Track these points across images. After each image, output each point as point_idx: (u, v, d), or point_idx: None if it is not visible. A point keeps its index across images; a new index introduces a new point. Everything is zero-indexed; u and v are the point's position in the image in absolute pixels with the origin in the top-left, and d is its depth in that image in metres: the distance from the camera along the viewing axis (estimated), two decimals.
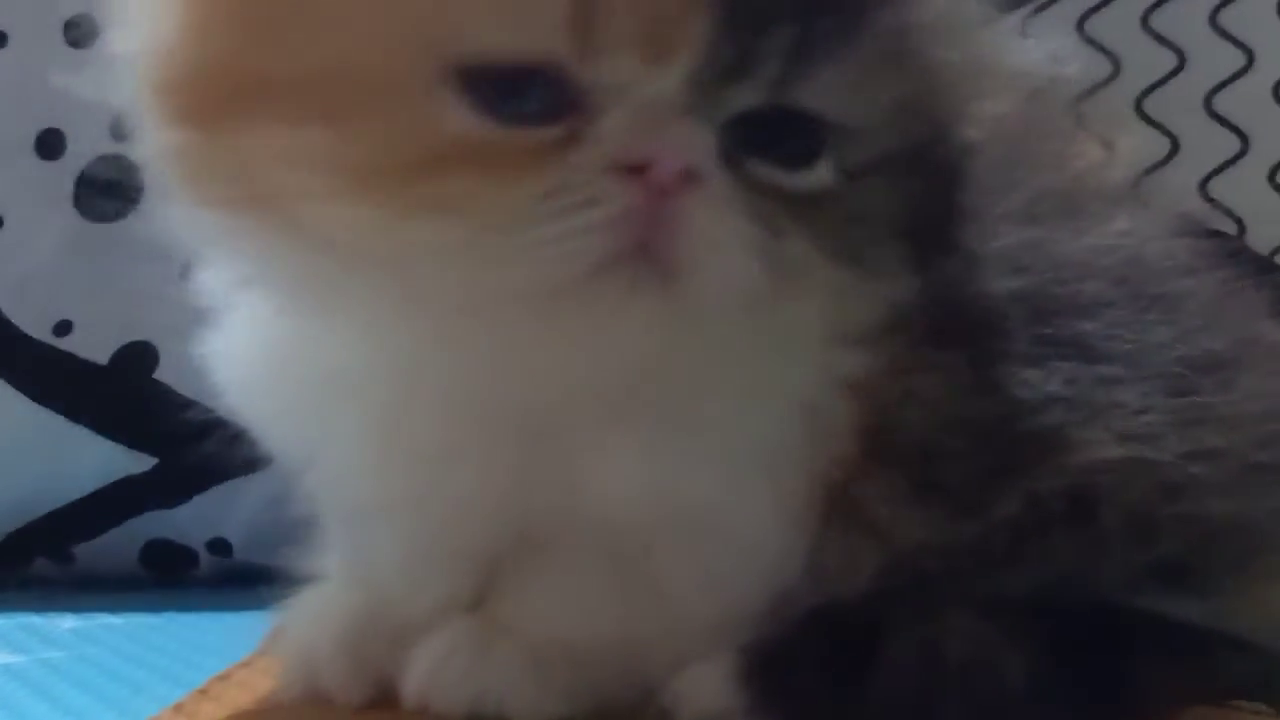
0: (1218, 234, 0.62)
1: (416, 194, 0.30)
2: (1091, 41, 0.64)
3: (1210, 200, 0.64)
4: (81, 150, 0.70)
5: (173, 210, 0.34)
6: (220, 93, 0.31)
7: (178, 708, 0.42)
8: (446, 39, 0.29)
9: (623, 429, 0.33)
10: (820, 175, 0.32)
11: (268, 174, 0.31)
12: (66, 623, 0.58)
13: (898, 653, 0.36)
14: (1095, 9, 0.64)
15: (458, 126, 0.29)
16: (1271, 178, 0.64)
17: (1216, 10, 0.64)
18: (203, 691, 0.44)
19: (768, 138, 0.31)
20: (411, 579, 0.39)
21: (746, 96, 0.30)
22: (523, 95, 0.29)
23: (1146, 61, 0.65)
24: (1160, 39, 0.64)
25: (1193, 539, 0.37)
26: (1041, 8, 0.64)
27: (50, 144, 0.70)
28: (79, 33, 0.68)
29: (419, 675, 0.38)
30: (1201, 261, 0.42)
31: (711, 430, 0.33)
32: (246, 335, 0.37)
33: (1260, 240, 0.64)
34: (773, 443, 0.33)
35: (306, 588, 0.42)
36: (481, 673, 0.37)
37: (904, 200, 0.33)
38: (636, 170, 0.29)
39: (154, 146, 0.33)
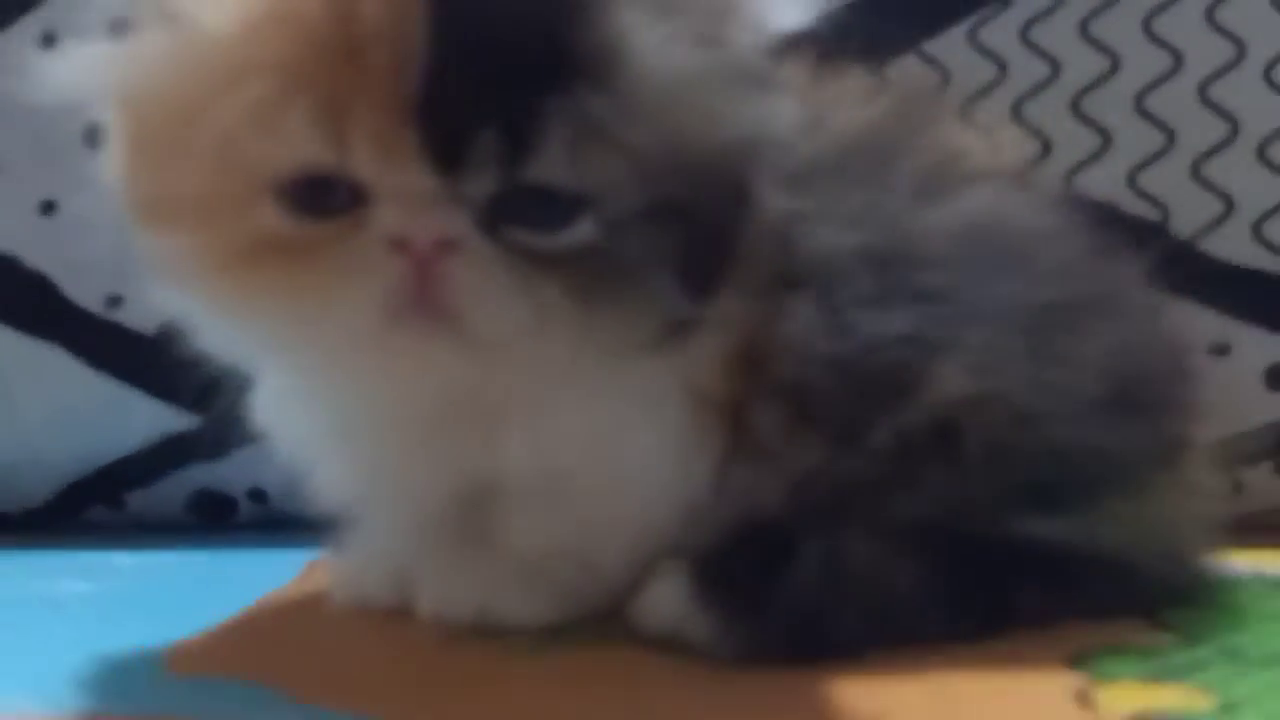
0: (1143, 220, 0.70)
1: (249, 274, 0.39)
2: (1035, 47, 0.69)
3: (1138, 190, 0.69)
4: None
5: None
6: (143, 209, 0.42)
7: (230, 622, 0.51)
8: (262, 167, 0.38)
9: (499, 424, 0.42)
10: (578, 233, 0.38)
11: (175, 263, 0.41)
12: (125, 559, 0.65)
13: (807, 562, 0.43)
14: (1039, 17, 0.69)
15: (277, 225, 0.39)
16: (1194, 170, 0.69)
17: (1150, 17, 0.69)
18: (252, 610, 0.53)
19: (524, 208, 0.38)
20: (405, 532, 0.49)
21: (483, 183, 0.37)
22: (318, 196, 0.38)
23: (1084, 65, 0.69)
24: (1097, 44, 0.69)
25: (1047, 464, 0.44)
26: (986, 18, 0.69)
27: (98, 136, 0.78)
28: (124, 34, 0.78)
29: (430, 595, 0.47)
30: (1075, 233, 0.49)
31: (555, 421, 0.42)
32: (265, 386, 0.49)
33: (1182, 226, 0.69)
34: (611, 420, 0.42)
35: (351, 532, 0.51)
36: (480, 589, 0.46)
37: (670, 238, 0.39)
38: (403, 244, 0.37)
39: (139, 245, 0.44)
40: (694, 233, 0.40)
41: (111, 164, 0.43)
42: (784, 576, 0.43)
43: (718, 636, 0.43)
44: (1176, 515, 0.50)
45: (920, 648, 0.43)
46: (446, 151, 0.37)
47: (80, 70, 0.43)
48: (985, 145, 0.53)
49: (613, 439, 0.43)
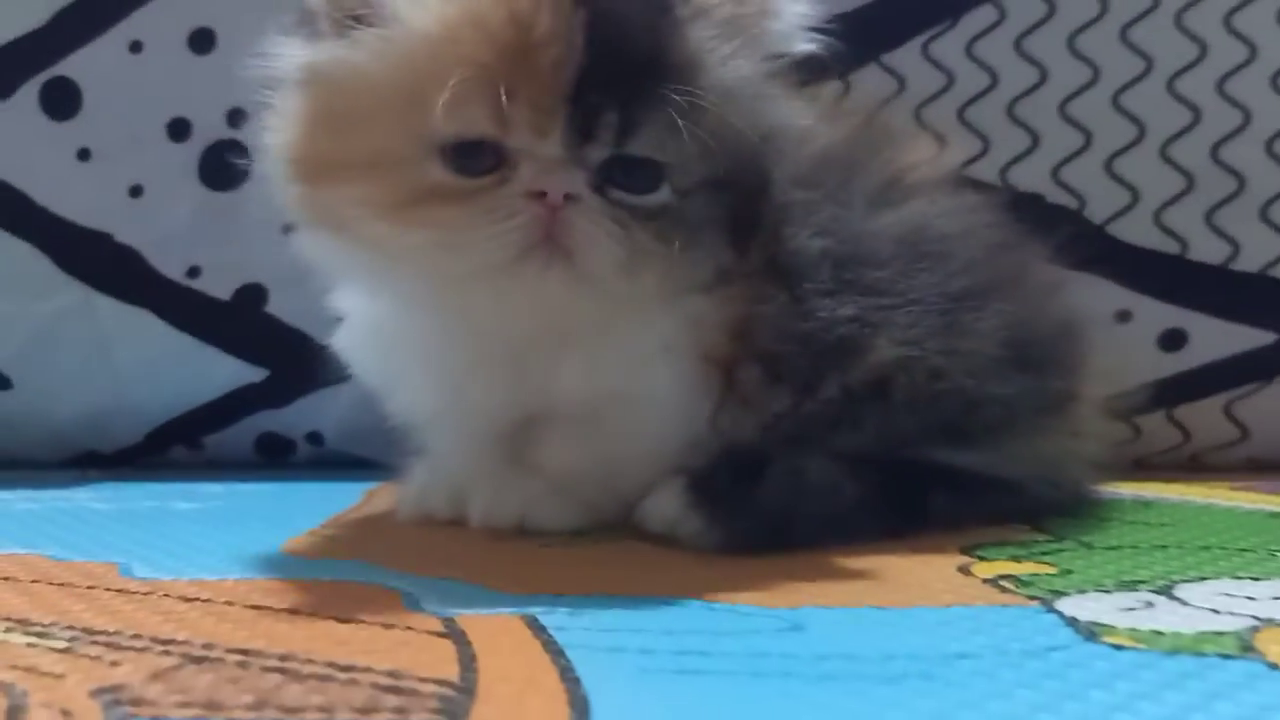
0: (1064, 208, 0.81)
1: (415, 216, 0.51)
2: (977, 60, 0.80)
3: (1060, 183, 0.80)
4: (204, 135, 0.83)
5: (298, 233, 0.56)
6: (316, 166, 0.53)
7: (323, 527, 0.63)
8: (428, 129, 0.50)
9: (566, 352, 0.54)
10: (661, 195, 0.52)
11: (342, 210, 0.53)
12: (214, 487, 0.76)
13: (775, 479, 0.56)
14: (981, 35, 0.79)
15: (438, 178, 0.51)
16: (1107, 166, 0.80)
17: (1073, 36, 0.79)
18: (334, 520, 0.65)
19: (623, 174, 0.51)
20: (465, 453, 0.61)
21: (599, 152, 0.50)
22: (474, 158, 0.50)
23: (1018, 76, 0.79)
24: (1029, 59, 0.80)
25: (957, 408, 0.56)
26: (936, 35, 0.81)
27: (178, 129, 0.84)
28: (199, 42, 0.83)
29: (480, 504, 0.59)
30: (985, 232, 0.60)
31: (616, 348, 0.54)
32: (352, 328, 0.60)
33: (1095, 213, 0.80)
34: (659, 351, 0.54)
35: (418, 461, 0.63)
36: (522, 498, 0.58)
37: (722, 206, 0.53)
38: (540, 195, 0.50)
39: (287, 195, 0.55)
40: (736, 201, 0.53)
41: (280, 135, 0.54)
42: (757, 489, 0.55)
43: (704, 532, 0.55)
44: (1062, 451, 0.63)
45: (858, 541, 0.55)
46: (583, 128, 0.49)
47: (284, 59, 0.53)
48: (928, 155, 0.64)
49: (639, 380, 0.55)
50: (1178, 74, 0.80)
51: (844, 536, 0.55)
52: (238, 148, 0.83)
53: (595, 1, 0.50)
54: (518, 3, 0.49)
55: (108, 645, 0.40)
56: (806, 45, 0.55)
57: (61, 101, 0.84)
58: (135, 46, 0.84)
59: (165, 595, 0.47)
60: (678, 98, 0.49)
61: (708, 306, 0.55)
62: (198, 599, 0.47)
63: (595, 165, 0.50)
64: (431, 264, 0.52)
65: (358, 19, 0.51)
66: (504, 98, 0.49)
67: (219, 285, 0.85)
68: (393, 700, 0.35)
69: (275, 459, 0.88)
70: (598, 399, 0.56)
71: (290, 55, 0.53)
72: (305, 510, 0.67)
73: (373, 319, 0.59)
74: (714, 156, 0.51)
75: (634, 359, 0.55)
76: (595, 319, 0.54)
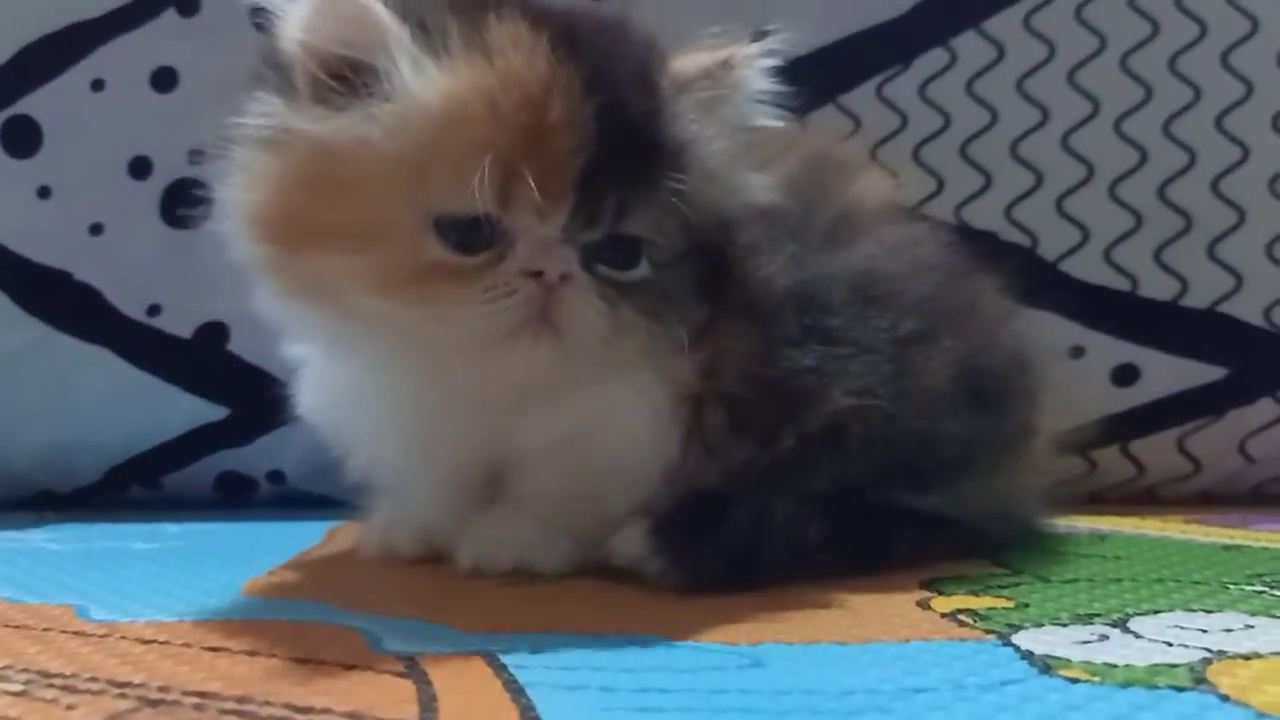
0: (1017, 245, 0.83)
1: (413, 293, 0.51)
2: (930, 103, 0.82)
3: (1012, 221, 0.82)
4: (165, 173, 0.83)
5: (259, 293, 0.55)
6: (296, 231, 0.51)
7: (283, 566, 0.63)
8: (428, 203, 0.49)
9: (534, 404, 0.54)
10: (641, 270, 0.53)
11: (328, 280, 0.52)
12: (172, 527, 0.76)
13: (739, 520, 0.56)
14: (933, 78, 0.82)
15: (435, 254, 0.50)
16: (1058, 205, 0.82)
17: (1022, 79, 0.82)
18: (295, 560, 0.65)
19: (609, 251, 0.52)
20: (435, 506, 0.60)
21: (594, 233, 0.51)
22: (473, 234, 0.50)
23: (970, 118, 0.82)
24: (981, 101, 0.82)
25: (912, 450, 0.57)
26: (890, 77, 0.83)
27: (140, 167, 0.84)
28: (161, 80, 0.83)
29: (470, 548, 0.58)
30: (933, 270, 0.60)
31: (585, 399, 0.55)
32: (313, 384, 0.60)
33: (1047, 251, 0.82)
34: (631, 397, 0.55)
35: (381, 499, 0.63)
36: (515, 541, 0.58)
37: (694, 275, 0.54)
38: (536, 274, 0.50)
39: (247, 254, 0.53)
40: (707, 266, 0.54)
41: (249, 194, 0.51)
42: (721, 529, 0.56)
43: (669, 571, 0.55)
44: (1020, 489, 0.63)
45: (819, 578, 0.55)
46: (588, 211, 0.50)
47: (257, 117, 0.51)
48: (876, 186, 0.65)
49: (611, 416, 0.56)
50: (1124, 115, 0.82)
51: (807, 575, 0.55)
52: (199, 186, 0.85)
53: (604, 89, 0.50)
54: (530, 85, 0.49)
55: (64, 689, 0.40)
56: (771, 119, 0.56)
57: (22, 139, 0.84)
58: (97, 85, 0.85)
59: (122, 637, 0.47)
60: (671, 182, 0.51)
61: (681, 358, 0.55)
62: (155, 641, 0.46)
63: (593, 243, 0.52)
64: (422, 337, 0.52)
65: (343, 81, 0.50)
66: (511, 179, 0.49)
67: (179, 323, 0.85)
68: None
69: (235, 498, 0.87)
70: (567, 441, 0.56)
71: (264, 113, 0.51)
72: (265, 549, 0.67)
73: (334, 376, 0.59)
74: (693, 233, 0.53)
75: (604, 406, 0.56)
76: (573, 380, 0.54)
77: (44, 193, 0.85)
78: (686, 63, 0.54)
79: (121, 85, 0.84)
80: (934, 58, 0.82)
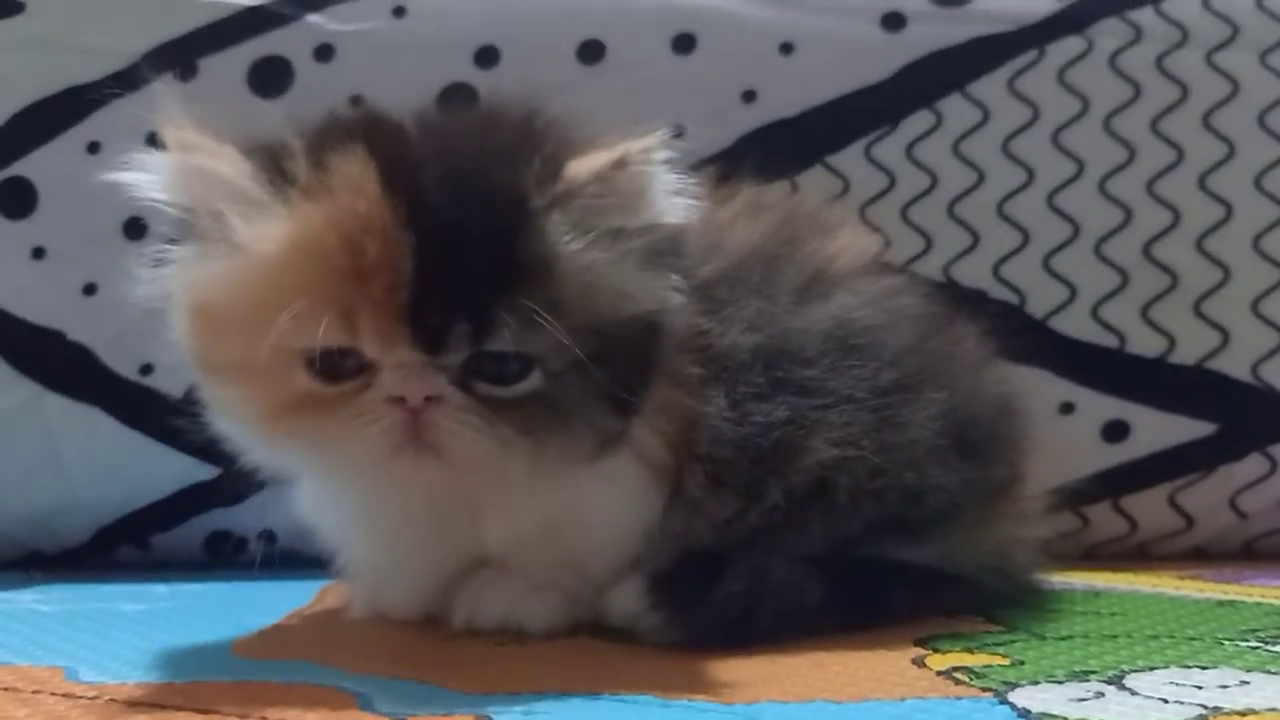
0: (1005, 303, 0.83)
1: (288, 423, 0.52)
2: (917, 163, 0.83)
3: (1000, 279, 0.82)
4: (161, 231, 0.85)
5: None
6: (205, 368, 0.55)
7: (274, 627, 0.62)
8: (287, 340, 0.50)
9: (486, 509, 0.55)
10: (531, 383, 0.51)
11: (229, 408, 0.55)
12: (161, 588, 0.75)
13: (735, 579, 0.56)
14: (920, 138, 0.83)
15: (304, 385, 0.51)
16: (1045, 263, 0.82)
17: (1008, 140, 0.83)
18: (286, 620, 0.64)
19: (491, 365, 0.51)
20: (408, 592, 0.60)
21: (456, 356, 0.50)
22: (337, 364, 0.51)
23: (957, 177, 0.82)
24: (967, 161, 0.83)
25: (901, 500, 0.57)
26: (878, 138, 0.83)
27: (135, 229, 0.83)
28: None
29: (462, 605, 0.59)
30: (911, 322, 0.60)
31: (532, 502, 0.55)
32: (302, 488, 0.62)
33: (1035, 308, 0.82)
34: (598, 489, 0.55)
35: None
36: (504, 599, 0.58)
37: (600, 378, 0.51)
38: (401, 400, 0.50)
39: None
40: (615, 374, 0.51)
41: (180, 332, 0.55)
42: (716, 588, 0.56)
43: (664, 628, 0.55)
44: (1013, 540, 0.64)
45: (814, 636, 0.55)
46: (430, 340, 0.49)
47: (164, 275, 0.55)
48: (851, 243, 0.65)
49: (577, 505, 0.56)
50: (1109, 175, 0.83)
51: (803, 633, 0.55)
52: None
53: (428, 218, 0.49)
54: (348, 227, 0.49)
55: None
56: (679, 213, 0.53)
57: (18, 201, 0.85)
58: (93, 147, 0.85)
59: (111, 699, 0.47)
60: (528, 300, 0.49)
61: (643, 430, 0.55)
62: (144, 703, 0.46)
63: (457, 365, 0.50)
64: (313, 459, 0.54)
65: (209, 229, 0.52)
66: (353, 314, 0.49)
67: (171, 383, 0.83)
68: None
69: (226, 558, 0.86)
70: (539, 534, 0.57)
71: (166, 262, 0.55)
72: (256, 609, 0.66)
73: (314, 485, 0.61)
74: (583, 340, 0.50)
75: (571, 498, 0.56)
76: (500, 488, 0.54)
77: (38, 253, 0.85)
78: (580, 166, 0.52)
79: (117, 148, 0.85)
80: (920, 119, 0.83)
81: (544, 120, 0.54)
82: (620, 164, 0.51)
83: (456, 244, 0.49)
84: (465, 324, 0.50)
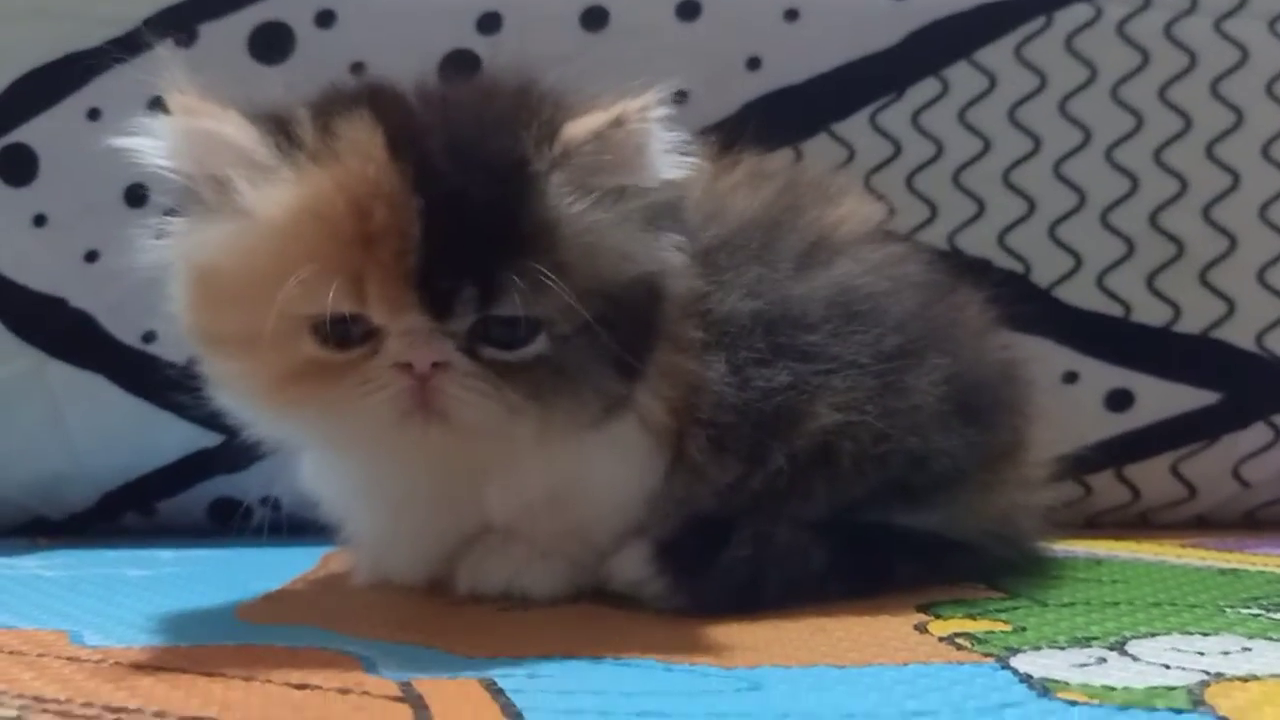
0: (1010, 272, 0.83)
1: (294, 392, 0.52)
2: (923, 131, 0.82)
3: (1005, 248, 0.82)
4: (161, 201, 0.86)
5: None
6: (207, 341, 0.54)
7: (278, 592, 0.63)
8: (294, 307, 0.49)
9: (489, 480, 0.55)
10: (537, 346, 0.50)
11: (228, 381, 0.54)
12: (166, 553, 0.76)
13: (742, 545, 0.56)
14: (926, 106, 0.82)
15: (310, 353, 0.51)
16: (1050, 232, 0.82)
17: (1014, 108, 0.82)
18: (290, 585, 0.65)
19: (497, 331, 0.50)
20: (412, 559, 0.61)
21: (463, 321, 0.50)
22: (345, 331, 0.50)
23: (963, 146, 0.82)
24: (973, 130, 0.82)
25: (904, 465, 0.57)
26: (884, 105, 0.83)
27: (136, 196, 0.81)
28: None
29: (466, 571, 0.59)
30: (914, 288, 0.60)
31: (537, 472, 0.55)
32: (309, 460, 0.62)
33: (1040, 278, 0.82)
34: (601, 455, 0.55)
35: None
36: (508, 566, 0.58)
37: (605, 344, 0.51)
38: (408, 367, 0.50)
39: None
40: (620, 337, 0.51)
41: (180, 305, 0.54)
42: (723, 554, 0.56)
43: (669, 594, 0.55)
44: (1017, 506, 0.64)
45: (818, 603, 0.55)
46: (438, 305, 0.49)
47: (164, 246, 0.54)
48: (854, 210, 0.65)
49: (582, 472, 0.56)
50: (1115, 144, 0.82)
51: (808, 600, 0.55)
52: None
53: (435, 183, 0.49)
54: (356, 191, 0.49)
55: (59, 714, 0.40)
56: (678, 171, 0.53)
57: (18, 168, 0.84)
58: (94, 114, 0.84)
59: (116, 663, 0.47)
60: (535, 264, 0.49)
61: (645, 395, 0.55)
62: (150, 666, 0.46)
63: (464, 330, 0.50)
64: (319, 429, 0.53)
65: (213, 197, 0.52)
66: (361, 280, 0.49)
67: (174, 349, 0.81)
68: None
69: (230, 524, 0.84)
70: (542, 502, 0.56)
71: (167, 234, 0.54)
72: (260, 575, 0.66)
73: (319, 457, 0.61)
74: (589, 302, 0.50)
75: (574, 466, 0.56)
76: (494, 460, 0.54)
77: (39, 221, 0.84)
78: (578, 127, 0.51)
79: (118, 114, 0.84)
80: (927, 87, 0.82)
81: (542, 87, 0.54)
82: (618, 123, 0.51)
83: (462, 209, 0.49)
84: (473, 289, 0.49)
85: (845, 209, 0.64)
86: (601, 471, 0.57)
